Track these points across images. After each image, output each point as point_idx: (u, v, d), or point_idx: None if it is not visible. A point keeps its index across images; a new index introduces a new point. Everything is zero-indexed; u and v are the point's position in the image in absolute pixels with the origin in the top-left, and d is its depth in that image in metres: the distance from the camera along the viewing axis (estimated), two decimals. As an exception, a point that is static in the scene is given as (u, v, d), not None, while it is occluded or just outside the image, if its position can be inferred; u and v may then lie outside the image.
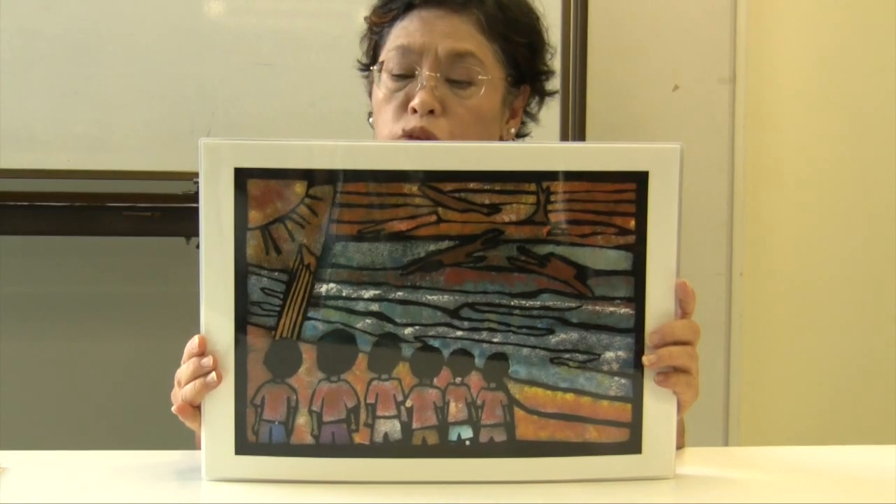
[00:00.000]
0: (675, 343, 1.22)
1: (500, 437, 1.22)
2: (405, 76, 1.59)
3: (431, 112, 1.54)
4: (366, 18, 1.69)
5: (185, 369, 1.22)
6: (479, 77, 1.59)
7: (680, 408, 1.25)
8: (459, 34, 1.59)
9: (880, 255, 2.99)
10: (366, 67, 1.71)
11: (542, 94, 1.71)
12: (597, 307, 1.21)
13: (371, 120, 1.69)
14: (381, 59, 1.62)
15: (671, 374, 1.22)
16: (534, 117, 1.72)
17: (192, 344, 1.21)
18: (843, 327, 2.99)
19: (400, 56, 1.59)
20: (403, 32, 1.60)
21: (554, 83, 1.73)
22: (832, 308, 2.99)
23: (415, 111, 1.55)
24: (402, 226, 1.19)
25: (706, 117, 2.88)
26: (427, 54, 1.57)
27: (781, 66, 2.92)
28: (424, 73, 1.57)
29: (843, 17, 2.94)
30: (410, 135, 1.53)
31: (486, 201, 1.19)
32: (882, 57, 2.95)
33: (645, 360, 1.22)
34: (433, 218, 1.19)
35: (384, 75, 1.61)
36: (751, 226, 2.92)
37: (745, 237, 2.91)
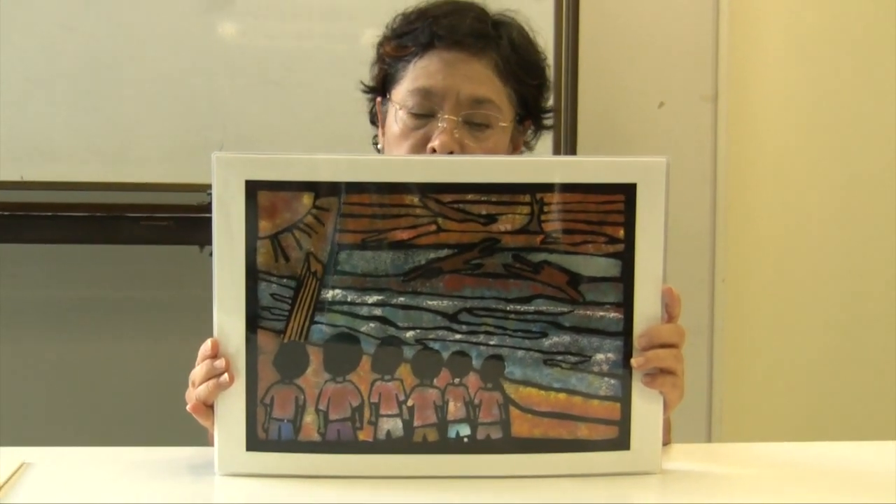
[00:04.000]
0: (662, 346, 1.22)
1: (496, 434, 1.22)
2: (424, 115, 1.57)
3: (451, 153, 1.53)
4: (378, 46, 1.66)
5: (198, 370, 1.22)
6: (497, 123, 1.58)
7: (666, 407, 1.24)
8: (479, 78, 1.57)
9: (855, 262, 2.99)
10: (371, 90, 1.70)
11: (541, 128, 1.71)
12: (588, 312, 1.21)
13: (379, 146, 1.68)
14: (398, 95, 1.59)
15: (658, 375, 1.22)
16: (530, 147, 1.71)
17: (206, 346, 1.21)
18: (819, 330, 2.99)
19: (421, 97, 1.56)
20: (424, 73, 1.57)
21: (551, 117, 1.73)
22: (809, 311, 2.99)
23: (434, 151, 1.53)
24: (404, 235, 1.19)
25: (690, 132, 2.88)
26: (448, 97, 1.55)
27: (761, 84, 2.93)
28: (445, 116, 1.55)
29: (822, 37, 2.95)
30: None
31: (483, 212, 1.19)
32: (858, 76, 2.96)
33: (633, 361, 1.21)
34: (433, 227, 1.19)
35: (402, 112, 1.58)
36: (732, 235, 2.92)
37: (727, 246, 2.91)
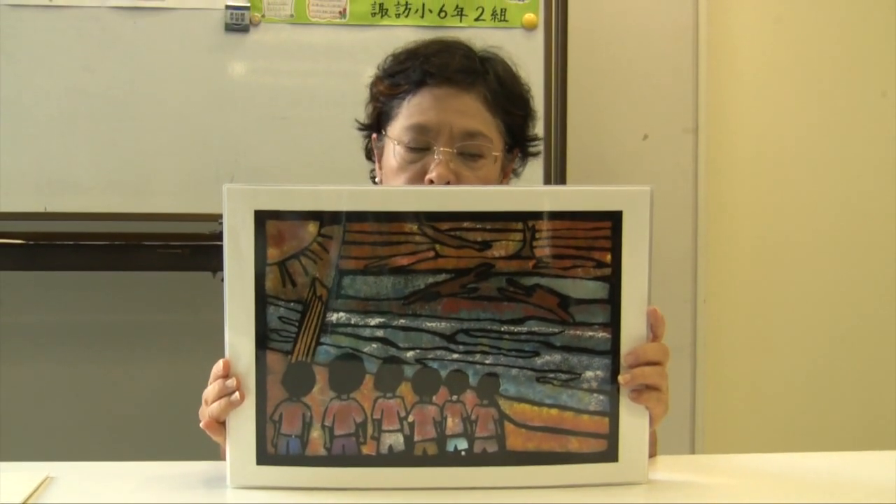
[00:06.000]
0: (648, 363, 1.22)
1: (492, 447, 1.21)
2: (420, 149, 1.56)
3: (447, 183, 1.52)
4: (371, 86, 1.67)
5: (211, 389, 1.22)
6: (489, 153, 1.57)
7: (652, 421, 1.24)
8: (470, 112, 1.57)
9: (830, 282, 3.00)
10: (366, 128, 1.69)
11: (528, 156, 1.71)
12: (577, 332, 1.21)
13: (377, 180, 1.68)
14: (394, 131, 1.59)
15: (644, 391, 1.22)
16: (517, 174, 1.71)
17: (218, 367, 1.21)
18: (795, 347, 3.00)
19: (416, 133, 1.56)
20: (418, 110, 1.57)
21: (537, 145, 1.73)
22: (786, 330, 3.00)
23: (431, 182, 1.53)
24: (404, 261, 1.19)
25: (673, 162, 2.89)
26: (442, 132, 1.55)
27: (738, 117, 2.94)
28: (441, 148, 1.54)
29: (794, 72, 2.96)
30: None
31: (479, 238, 1.19)
32: (830, 107, 2.97)
33: (620, 378, 1.21)
34: (431, 253, 1.19)
35: (399, 147, 1.57)
36: (713, 258, 2.93)
37: (708, 268, 2.91)
